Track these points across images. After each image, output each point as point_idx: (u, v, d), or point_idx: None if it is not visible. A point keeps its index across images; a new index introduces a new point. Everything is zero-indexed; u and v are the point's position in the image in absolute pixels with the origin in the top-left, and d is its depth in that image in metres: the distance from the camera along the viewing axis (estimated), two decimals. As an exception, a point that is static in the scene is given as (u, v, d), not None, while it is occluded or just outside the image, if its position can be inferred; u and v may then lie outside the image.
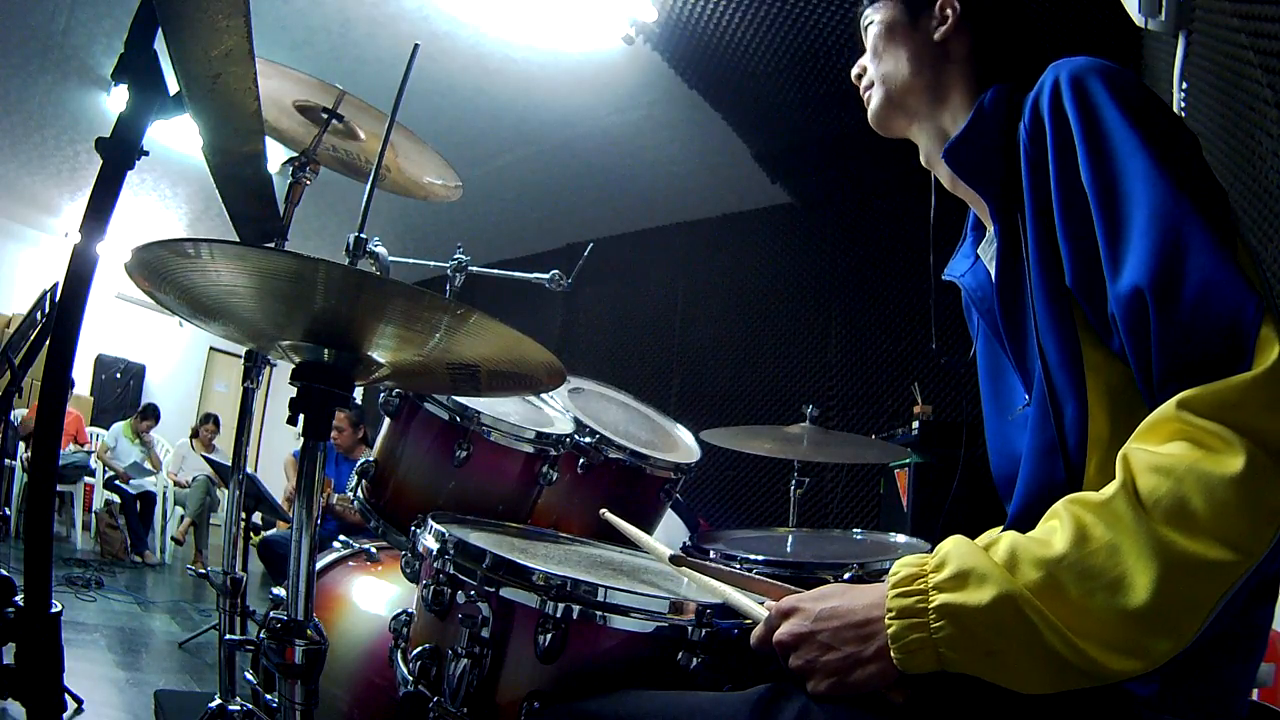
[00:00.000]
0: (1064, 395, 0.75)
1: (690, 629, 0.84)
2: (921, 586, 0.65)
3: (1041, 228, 0.76)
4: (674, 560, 0.97)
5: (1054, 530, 0.64)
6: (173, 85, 0.92)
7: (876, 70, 0.95)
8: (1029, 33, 0.94)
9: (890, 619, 0.65)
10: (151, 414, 6.23)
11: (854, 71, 1.00)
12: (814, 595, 0.73)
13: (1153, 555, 0.59)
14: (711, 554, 1.48)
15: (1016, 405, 0.87)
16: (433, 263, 1.86)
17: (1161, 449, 0.62)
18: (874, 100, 0.96)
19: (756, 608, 0.81)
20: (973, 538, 0.69)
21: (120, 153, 0.89)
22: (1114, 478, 0.64)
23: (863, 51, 0.99)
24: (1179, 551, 0.59)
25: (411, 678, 0.90)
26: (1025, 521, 0.74)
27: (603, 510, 1.15)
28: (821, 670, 0.68)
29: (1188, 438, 0.61)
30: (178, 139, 4.57)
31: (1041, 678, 0.62)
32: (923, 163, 0.97)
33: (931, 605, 0.64)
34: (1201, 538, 0.59)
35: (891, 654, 0.64)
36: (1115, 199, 0.69)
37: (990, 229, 0.90)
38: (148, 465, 5.94)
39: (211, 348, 8.92)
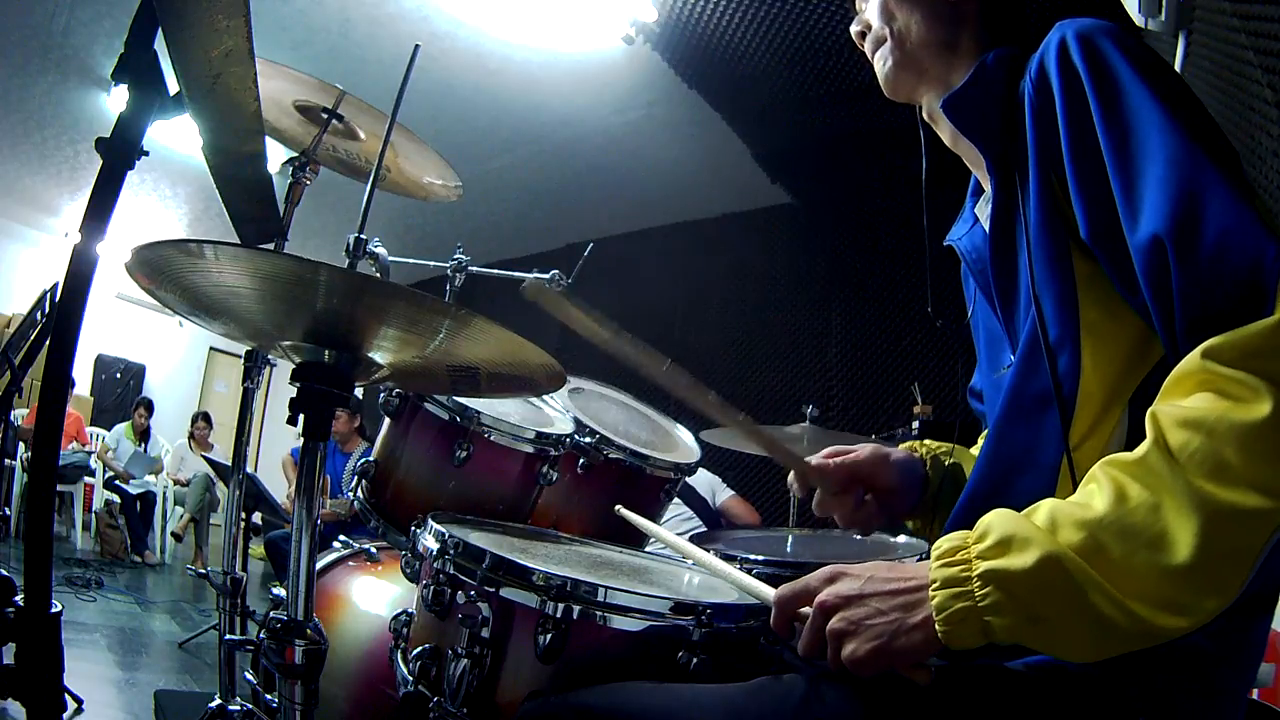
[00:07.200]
0: (1058, 348, 0.75)
1: (690, 629, 0.85)
2: (965, 556, 0.64)
3: (1045, 182, 0.76)
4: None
5: (1093, 493, 0.64)
6: (173, 85, 0.92)
7: (887, 26, 0.93)
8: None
9: (935, 590, 0.64)
10: (143, 403, 6.25)
11: (854, 29, 0.98)
12: (861, 566, 0.73)
13: (1193, 509, 0.59)
14: (711, 554, 1.48)
15: (1003, 364, 0.87)
16: (433, 263, 1.86)
17: (1187, 403, 0.62)
18: (887, 58, 0.93)
19: (765, 588, 0.79)
20: None
21: (120, 153, 0.89)
22: (1103, 437, 0.64)
23: (852, 17, 0.98)
24: (1218, 503, 0.58)
25: (411, 678, 0.90)
26: (998, 485, 0.77)
27: (617, 506, 1.15)
28: (866, 633, 0.67)
29: (1213, 388, 0.61)
30: (178, 139, 4.56)
31: (1088, 642, 0.61)
32: (925, 118, 0.97)
33: (976, 572, 0.63)
34: (1239, 487, 0.58)
35: (936, 625, 0.64)
36: (1131, 149, 0.69)
37: (987, 187, 0.90)
38: (149, 458, 5.94)
39: (211, 348, 8.91)
